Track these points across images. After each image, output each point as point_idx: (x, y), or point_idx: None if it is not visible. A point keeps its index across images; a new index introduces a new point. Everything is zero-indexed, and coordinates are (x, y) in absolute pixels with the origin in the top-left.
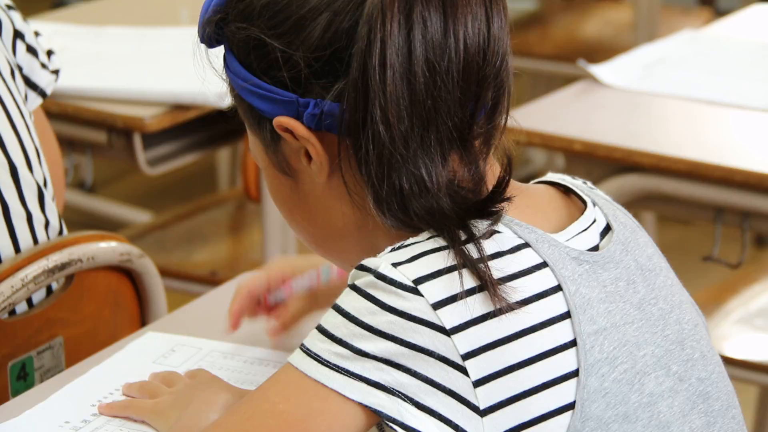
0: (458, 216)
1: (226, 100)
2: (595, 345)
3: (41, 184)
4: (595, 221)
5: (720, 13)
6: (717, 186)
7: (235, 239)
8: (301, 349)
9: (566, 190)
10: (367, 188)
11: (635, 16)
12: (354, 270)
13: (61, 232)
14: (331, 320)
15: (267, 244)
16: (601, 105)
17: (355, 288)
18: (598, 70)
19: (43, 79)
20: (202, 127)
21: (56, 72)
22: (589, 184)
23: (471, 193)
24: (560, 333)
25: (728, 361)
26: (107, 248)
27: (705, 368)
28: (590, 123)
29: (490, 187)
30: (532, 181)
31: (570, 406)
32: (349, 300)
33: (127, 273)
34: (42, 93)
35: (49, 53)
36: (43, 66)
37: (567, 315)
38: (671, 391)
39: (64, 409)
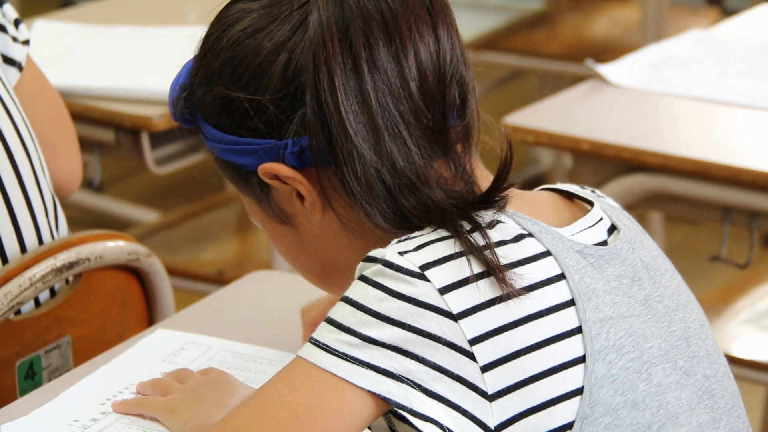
0: (458, 209)
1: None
2: (601, 332)
3: (38, 169)
4: (601, 219)
5: (728, 12)
6: (725, 186)
7: (243, 238)
8: (310, 341)
9: (570, 196)
10: (357, 208)
11: (643, 16)
12: (361, 263)
13: (55, 211)
14: (340, 310)
15: None
16: (609, 105)
17: (363, 278)
18: (606, 69)
19: (17, 53)
20: None
21: (26, 42)
22: (597, 192)
23: (466, 194)
24: (566, 319)
25: (736, 362)
26: (115, 247)
27: (710, 366)
28: (598, 123)
29: (483, 188)
30: (536, 189)
31: (578, 392)
32: (357, 290)
33: (135, 272)
34: (20, 66)
35: (17, 23)
36: (14, 39)
37: (571, 302)
38: (678, 384)
39: (73, 408)
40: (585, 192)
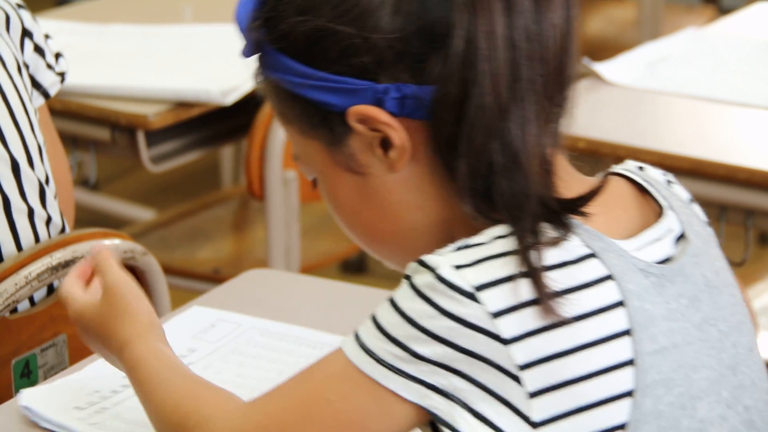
0: (545, 208)
1: (228, 98)
2: (653, 365)
3: (43, 180)
4: (670, 230)
5: (724, 10)
6: (721, 184)
7: (239, 237)
8: (357, 341)
9: (642, 189)
10: (452, 170)
11: (639, 14)
12: (413, 263)
13: (63, 229)
14: (388, 318)
15: (270, 242)
16: (605, 103)
17: (413, 287)
18: (602, 68)
19: (47, 79)
20: (206, 125)
21: (62, 74)
22: (669, 177)
23: (554, 192)
24: (619, 351)
25: None
26: (110, 246)
27: (752, 396)
28: (594, 121)
29: (569, 189)
30: (612, 167)
31: (621, 426)
32: (406, 299)
33: (131, 270)
34: (45, 93)
35: (58, 56)
36: (49, 67)
37: (627, 332)
38: (721, 417)
39: (97, 379)
40: (655, 179)
